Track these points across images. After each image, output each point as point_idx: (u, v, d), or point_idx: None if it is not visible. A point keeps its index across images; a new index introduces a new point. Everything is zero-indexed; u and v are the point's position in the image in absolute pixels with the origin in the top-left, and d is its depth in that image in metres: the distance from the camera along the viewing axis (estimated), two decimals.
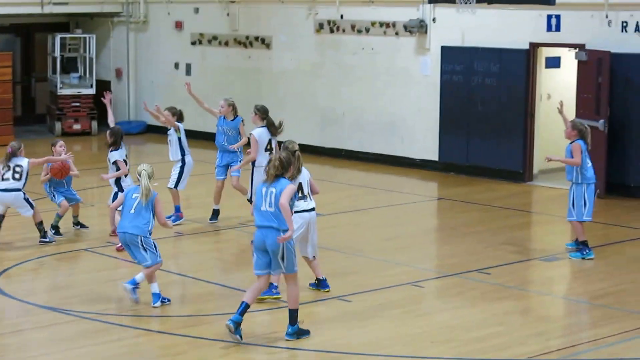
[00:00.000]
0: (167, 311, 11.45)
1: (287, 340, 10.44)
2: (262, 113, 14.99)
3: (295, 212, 11.11)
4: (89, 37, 26.05)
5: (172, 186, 15.63)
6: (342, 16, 21.73)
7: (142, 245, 11.49)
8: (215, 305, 11.74)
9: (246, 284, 12.34)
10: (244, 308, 10.42)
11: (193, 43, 24.95)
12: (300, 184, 11.50)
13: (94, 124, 25.80)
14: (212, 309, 11.59)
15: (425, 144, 20.39)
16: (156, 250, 11.59)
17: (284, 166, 10.38)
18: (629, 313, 11.28)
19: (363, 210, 16.88)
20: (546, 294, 12.32)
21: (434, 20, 20.14)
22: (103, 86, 26.41)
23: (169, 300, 11.70)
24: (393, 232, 15.30)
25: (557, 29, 18.45)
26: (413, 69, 20.60)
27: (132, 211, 11.53)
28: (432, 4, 19.50)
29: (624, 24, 17.66)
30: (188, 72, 25.18)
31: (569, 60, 18.90)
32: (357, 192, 18.65)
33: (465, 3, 16.51)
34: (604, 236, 15.00)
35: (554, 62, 19.44)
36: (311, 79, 22.48)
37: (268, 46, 23.26)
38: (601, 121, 17.46)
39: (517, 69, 18.93)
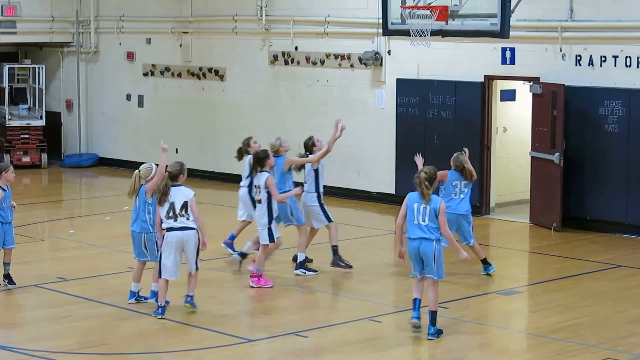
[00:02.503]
0: (119, 349, 11.23)
1: (429, 339, 11.33)
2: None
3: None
4: (39, 68, 25.78)
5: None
6: (296, 48, 21.67)
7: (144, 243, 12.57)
8: (167, 343, 11.55)
9: (200, 319, 12.16)
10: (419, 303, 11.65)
11: (145, 74, 24.78)
12: (172, 203, 12.17)
13: (44, 156, 25.49)
14: (165, 346, 11.40)
15: (381, 177, 20.32)
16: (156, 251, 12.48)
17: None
18: (585, 347, 11.25)
19: (319, 244, 16.73)
20: (504, 328, 12.27)
21: (389, 52, 20.14)
22: (53, 118, 26.20)
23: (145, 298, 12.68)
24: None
25: (512, 62, 18.52)
26: (368, 102, 20.57)
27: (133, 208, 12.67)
28: (386, 37, 19.46)
29: (578, 58, 17.74)
30: (140, 103, 24.99)
31: (524, 93, 18.96)
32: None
33: (420, 36, 16.45)
34: (561, 269, 15.02)
35: (509, 95, 19.51)
36: (265, 111, 22.36)
37: (222, 78, 23.15)
38: (556, 154, 17.49)
39: (472, 101, 18.95)
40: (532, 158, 18.19)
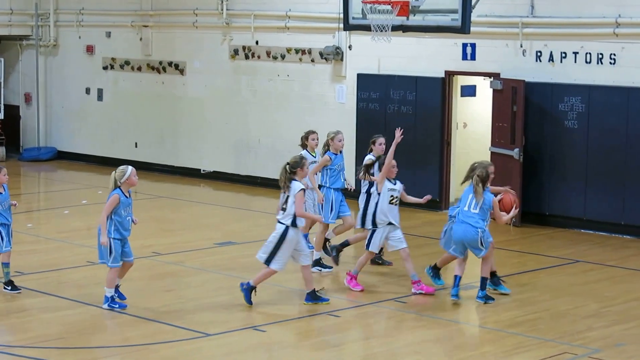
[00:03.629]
0: (77, 343, 11.15)
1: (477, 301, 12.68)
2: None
3: None
4: None
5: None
6: (257, 42, 21.61)
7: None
8: (125, 337, 11.50)
9: (158, 313, 12.10)
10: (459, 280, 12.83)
11: (105, 68, 24.61)
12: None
13: (2, 149, 25.36)
14: (122, 340, 11.33)
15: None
16: (108, 255, 12.16)
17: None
18: (543, 341, 11.32)
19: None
20: (462, 323, 12.32)
21: (350, 47, 20.13)
22: (11, 111, 25.97)
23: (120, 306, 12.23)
24: None
25: (473, 57, 18.57)
26: (329, 96, 20.56)
27: None
28: (347, 31, 19.46)
29: (538, 54, 17.83)
30: (100, 97, 24.83)
31: (485, 89, 19.02)
32: (273, 220, 18.41)
33: (381, 31, 16.47)
34: (519, 264, 15.08)
35: (469, 91, 19.57)
36: (226, 105, 22.29)
37: (182, 72, 23.04)
38: (516, 150, 17.57)
39: (433, 97, 18.99)
40: (492, 153, 18.26)
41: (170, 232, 16.53)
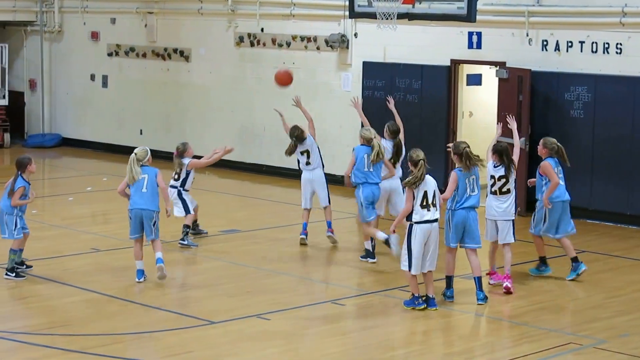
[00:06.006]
0: (81, 329, 11.15)
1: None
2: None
3: (417, 222, 11.69)
4: (2, 47, 25.57)
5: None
6: (262, 29, 21.57)
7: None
8: (129, 324, 11.48)
9: (161, 301, 12.10)
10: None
11: (109, 54, 24.58)
12: (425, 192, 11.70)
13: (7, 136, 25.33)
14: (127, 328, 11.31)
15: (346, 160, 20.13)
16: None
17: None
18: (547, 331, 11.31)
19: (284, 226, 16.74)
20: (467, 312, 12.27)
21: (355, 35, 20.09)
22: (16, 97, 25.96)
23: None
24: (314, 249, 15.14)
25: (479, 46, 18.52)
26: (334, 84, 20.53)
27: (145, 190, 12.69)
28: (353, 19, 19.42)
29: (544, 43, 17.78)
30: (104, 84, 24.80)
31: (490, 78, 18.96)
32: (278, 208, 18.52)
33: (387, 19, 16.43)
34: (524, 254, 15.02)
35: (475, 80, 19.51)
36: (231, 92, 22.26)
37: (187, 59, 23.00)
38: (522, 139, 17.50)
39: (438, 85, 18.95)
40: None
41: (175, 220, 16.50)
